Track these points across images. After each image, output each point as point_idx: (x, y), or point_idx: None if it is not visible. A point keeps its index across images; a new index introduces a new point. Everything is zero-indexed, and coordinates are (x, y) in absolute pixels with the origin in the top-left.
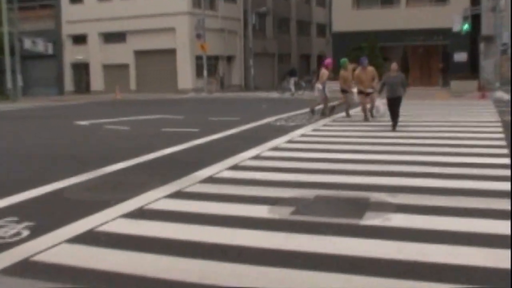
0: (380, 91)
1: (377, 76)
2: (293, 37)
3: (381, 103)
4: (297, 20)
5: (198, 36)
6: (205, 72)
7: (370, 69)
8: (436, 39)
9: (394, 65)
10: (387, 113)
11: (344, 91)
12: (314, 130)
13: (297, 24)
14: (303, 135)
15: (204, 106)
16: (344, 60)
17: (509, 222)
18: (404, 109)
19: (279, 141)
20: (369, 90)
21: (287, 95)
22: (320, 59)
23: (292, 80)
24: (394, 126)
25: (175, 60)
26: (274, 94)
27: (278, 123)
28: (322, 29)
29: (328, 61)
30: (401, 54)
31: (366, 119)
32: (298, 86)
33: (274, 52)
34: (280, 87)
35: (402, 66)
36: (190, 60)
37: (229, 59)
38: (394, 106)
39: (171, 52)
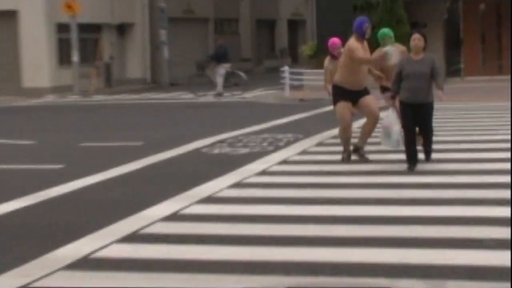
0: (394, 92)
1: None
2: None
3: (392, 118)
4: None
5: None
6: (75, 56)
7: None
8: None
9: (416, 39)
10: (402, 141)
11: (385, 89)
12: (284, 163)
13: None
14: (264, 173)
15: (74, 119)
16: (385, 32)
17: None
18: (445, 123)
19: (219, 188)
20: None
21: (209, 96)
22: (294, 26)
23: (220, 69)
24: (411, 166)
25: (17, 33)
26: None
27: (216, 151)
28: None
29: (335, 41)
30: (443, 15)
31: (353, 154)
32: (233, 80)
33: (207, 15)
34: (193, 81)
35: (447, 39)
36: (45, 33)
37: (122, 30)
38: (415, 121)
39: (9, 16)
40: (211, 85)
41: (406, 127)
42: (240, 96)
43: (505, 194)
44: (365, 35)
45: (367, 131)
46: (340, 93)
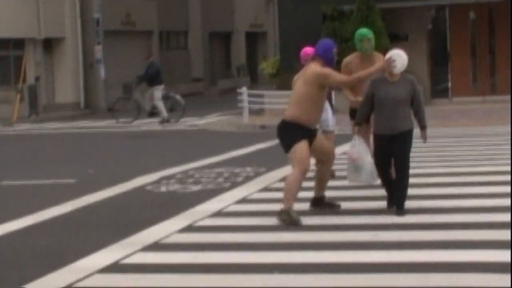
0: (360, 119)
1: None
2: None
3: (361, 148)
4: None
5: None
6: None
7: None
8: None
9: (394, 55)
10: (375, 173)
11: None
12: (243, 202)
13: None
14: (219, 214)
15: None
16: (364, 32)
17: None
18: (429, 152)
19: (168, 233)
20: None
21: (144, 123)
22: (253, 39)
23: (156, 93)
24: (390, 204)
25: None
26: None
27: (162, 189)
28: None
29: (308, 51)
30: (427, 25)
31: (318, 202)
32: (168, 104)
33: (150, 28)
34: (118, 106)
35: (432, 53)
36: None
37: (50, 46)
38: (390, 155)
39: None
40: (139, 110)
41: (380, 165)
42: (176, 122)
43: (503, 235)
44: (334, 62)
45: (325, 175)
46: (300, 131)
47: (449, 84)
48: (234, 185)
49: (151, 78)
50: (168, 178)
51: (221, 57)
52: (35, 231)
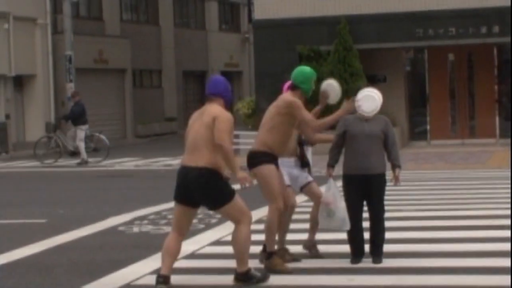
0: (333, 160)
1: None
2: (166, 32)
3: (335, 192)
4: None
5: None
6: None
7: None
8: (485, 34)
9: (364, 96)
10: (347, 219)
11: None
12: (217, 243)
13: (175, 3)
14: (193, 256)
15: None
16: (305, 72)
17: None
18: (406, 196)
19: (140, 275)
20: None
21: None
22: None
23: (79, 133)
24: (357, 259)
25: None
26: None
27: (135, 229)
28: (230, 15)
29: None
30: (405, 67)
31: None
32: (92, 144)
33: (123, 66)
34: (42, 146)
35: (411, 95)
36: None
37: (21, 83)
38: (362, 198)
39: None
40: (61, 150)
41: (352, 210)
42: (99, 162)
43: (483, 280)
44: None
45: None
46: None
47: (428, 127)
48: (209, 226)
49: (76, 118)
50: (141, 218)
51: (195, 96)
52: (3, 272)
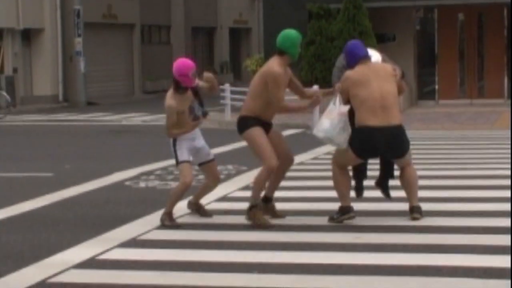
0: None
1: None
2: None
3: (335, 113)
4: None
5: None
6: None
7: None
8: None
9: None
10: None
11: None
12: (223, 199)
13: None
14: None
15: None
16: (298, 35)
17: None
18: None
19: (146, 230)
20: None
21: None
22: (237, 35)
23: None
24: (359, 194)
25: None
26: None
27: (142, 184)
28: None
29: (182, 68)
30: (415, 26)
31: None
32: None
33: (132, 21)
34: None
35: (420, 54)
36: None
37: (29, 37)
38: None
39: None
40: None
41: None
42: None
43: (495, 240)
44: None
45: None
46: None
47: (436, 87)
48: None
49: None
50: (148, 174)
51: (204, 53)
52: (8, 225)
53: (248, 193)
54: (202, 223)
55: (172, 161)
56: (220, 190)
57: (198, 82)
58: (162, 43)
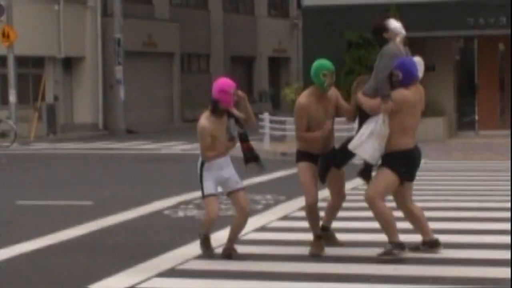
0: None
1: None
2: (215, 17)
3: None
4: None
5: None
6: (12, 95)
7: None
8: None
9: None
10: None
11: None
12: (262, 229)
13: None
14: (238, 241)
15: (10, 172)
16: (326, 64)
17: None
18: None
19: (184, 259)
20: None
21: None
22: (276, 64)
23: None
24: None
25: None
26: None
27: (180, 213)
28: (280, 0)
29: (224, 83)
30: (455, 56)
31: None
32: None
33: (172, 50)
34: None
35: (460, 84)
36: None
37: (70, 65)
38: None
39: None
40: None
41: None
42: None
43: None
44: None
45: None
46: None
47: (476, 117)
48: (253, 212)
49: None
50: (187, 203)
51: (243, 81)
52: (49, 253)
53: (287, 223)
54: (240, 253)
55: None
56: (259, 220)
57: (234, 110)
58: (202, 72)
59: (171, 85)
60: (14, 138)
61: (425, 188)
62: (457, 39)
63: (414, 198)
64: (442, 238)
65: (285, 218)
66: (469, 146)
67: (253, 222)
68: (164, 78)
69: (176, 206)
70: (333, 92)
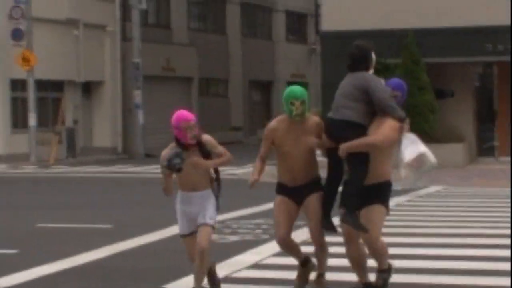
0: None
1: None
2: (233, 42)
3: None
4: (242, 3)
5: (16, 35)
6: (32, 119)
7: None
8: None
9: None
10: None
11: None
12: (280, 255)
13: (242, 13)
14: (256, 266)
15: (30, 195)
16: (294, 92)
17: None
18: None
19: (203, 284)
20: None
21: None
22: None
23: None
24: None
25: None
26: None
27: None
28: (298, 26)
29: (175, 119)
30: (474, 82)
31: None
32: None
33: (190, 74)
34: None
35: (479, 110)
36: None
37: (89, 89)
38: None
39: None
40: None
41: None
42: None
43: None
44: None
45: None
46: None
47: (496, 143)
48: (273, 237)
49: None
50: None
51: (261, 106)
52: (68, 276)
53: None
54: (259, 277)
55: (230, 214)
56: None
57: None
58: (220, 96)
59: (189, 109)
60: None
61: (445, 215)
62: (476, 65)
63: (435, 224)
64: (461, 264)
65: (305, 243)
66: (489, 172)
67: (272, 247)
68: (182, 103)
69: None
70: (312, 122)
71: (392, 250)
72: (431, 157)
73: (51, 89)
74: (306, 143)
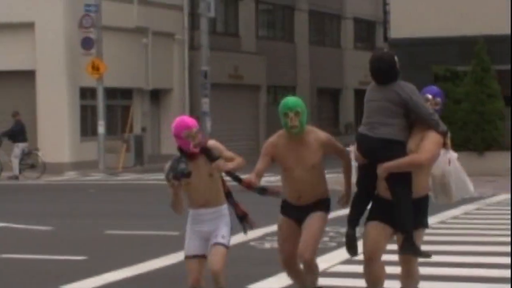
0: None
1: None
2: (301, 49)
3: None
4: (310, 11)
5: (86, 43)
6: (101, 127)
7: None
8: None
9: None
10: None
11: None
12: (348, 262)
13: (310, 21)
14: (324, 274)
15: (99, 202)
16: (289, 103)
17: None
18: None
19: None
20: None
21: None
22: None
23: (16, 150)
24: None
25: (33, 98)
26: None
27: (267, 245)
28: (366, 33)
29: (175, 127)
30: None
31: None
32: (29, 160)
33: (258, 82)
34: None
35: None
36: (67, 98)
37: (157, 96)
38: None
39: (25, 77)
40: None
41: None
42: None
43: None
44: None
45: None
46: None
47: None
48: (340, 245)
49: (15, 135)
50: (272, 234)
51: (329, 113)
52: (136, 283)
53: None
54: (326, 285)
55: None
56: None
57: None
58: None
59: (257, 117)
60: (43, 170)
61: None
62: None
63: (487, 232)
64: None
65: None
66: None
67: (340, 254)
68: (250, 111)
69: (262, 238)
70: (314, 137)
71: (462, 259)
72: (471, 186)
73: (120, 97)
74: (310, 159)
